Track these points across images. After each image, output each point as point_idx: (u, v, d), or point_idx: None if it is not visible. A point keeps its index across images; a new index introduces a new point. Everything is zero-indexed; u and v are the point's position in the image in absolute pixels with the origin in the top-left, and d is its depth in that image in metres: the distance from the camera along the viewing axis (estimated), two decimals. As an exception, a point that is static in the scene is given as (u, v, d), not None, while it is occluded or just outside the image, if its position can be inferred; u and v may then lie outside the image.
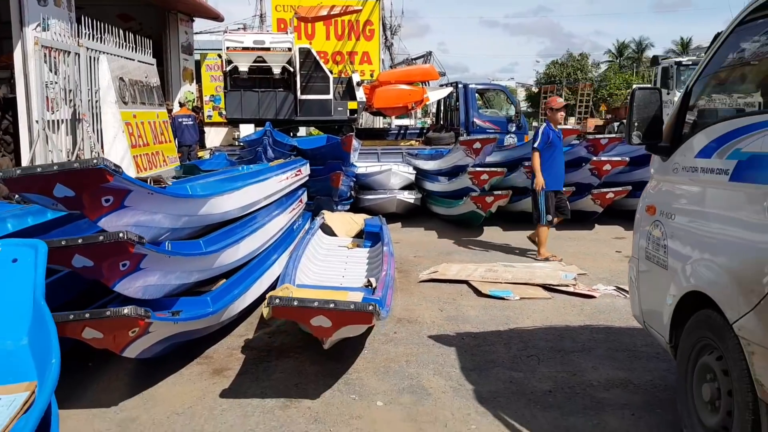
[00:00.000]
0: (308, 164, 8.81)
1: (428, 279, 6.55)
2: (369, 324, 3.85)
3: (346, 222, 8.57)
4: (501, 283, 6.29)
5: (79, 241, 3.19)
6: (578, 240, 8.89)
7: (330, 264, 6.77)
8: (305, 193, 8.74)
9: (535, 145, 7.61)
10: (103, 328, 3.18)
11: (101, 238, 3.18)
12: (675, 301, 3.10)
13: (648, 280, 3.60)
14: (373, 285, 4.93)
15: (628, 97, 4.74)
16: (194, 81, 21.67)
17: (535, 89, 77.15)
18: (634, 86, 3.98)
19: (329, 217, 8.50)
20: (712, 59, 3.23)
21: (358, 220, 8.57)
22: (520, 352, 4.54)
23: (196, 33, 22.63)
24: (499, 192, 8.73)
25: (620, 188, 9.17)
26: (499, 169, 8.92)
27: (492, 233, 9.41)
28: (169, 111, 16.18)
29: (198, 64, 22.90)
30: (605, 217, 9.76)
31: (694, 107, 3.33)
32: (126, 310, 3.11)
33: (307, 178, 8.63)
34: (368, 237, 7.84)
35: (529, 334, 4.94)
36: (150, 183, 4.53)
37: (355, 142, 9.66)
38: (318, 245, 7.47)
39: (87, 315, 3.13)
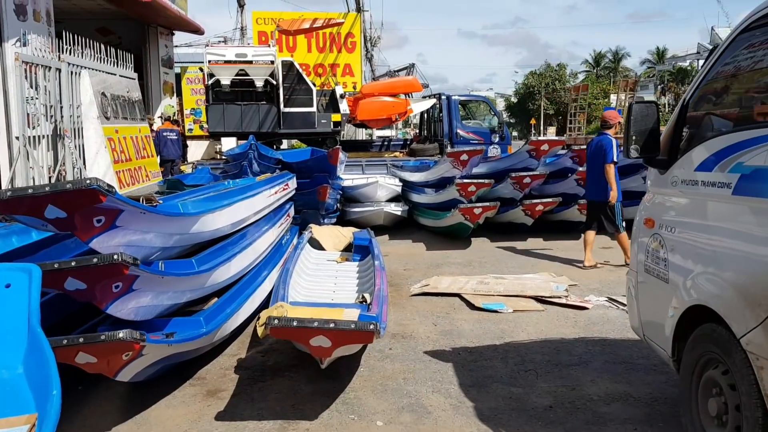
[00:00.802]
0: (294, 178, 8.75)
1: (420, 293, 6.51)
2: (369, 342, 3.80)
3: (334, 235, 8.51)
4: (493, 295, 6.27)
5: (73, 263, 3.10)
6: (566, 250, 8.91)
7: (320, 279, 6.70)
8: (292, 207, 8.68)
9: (615, 158, 7.50)
10: (98, 352, 3.09)
11: (95, 260, 3.10)
12: (677, 315, 3.09)
13: (647, 293, 3.59)
14: (368, 301, 4.87)
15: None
16: (174, 94, 21.52)
17: (514, 99, 78.03)
18: (632, 101, 4.00)
19: (317, 230, 8.44)
20: (710, 71, 3.25)
21: (347, 234, 8.52)
22: (518, 367, 4.50)
23: (176, 46, 22.49)
24: (488, 203, 8.74)
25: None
26: (486, 181, 8.93)
27: (480, 244, 9.41)
28: (150, 125, 16.05)
29: (178, 77, 22.78)
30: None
31: (692, 120, 3.34)
32: (121, 333, 3.02)
33: (294, 192, 8.57)
34: (357, 250, 7.78)
35: (525, 347, 4.91)
36: (142, 201, 4.44)
37: (341, 155, 9.63)
38: (307, 260, 7.40)
39: (81, 339, 3.04)
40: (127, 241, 3.61)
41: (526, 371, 4.42)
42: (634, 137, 3.44)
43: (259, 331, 3.71)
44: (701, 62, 66.41)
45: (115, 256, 3.10)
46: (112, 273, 3.21)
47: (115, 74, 11.23)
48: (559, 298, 6.13)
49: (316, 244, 8.33)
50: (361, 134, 30.33)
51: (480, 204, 8.73)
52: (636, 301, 3.76)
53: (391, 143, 18.11)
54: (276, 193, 6.94)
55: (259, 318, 3.89)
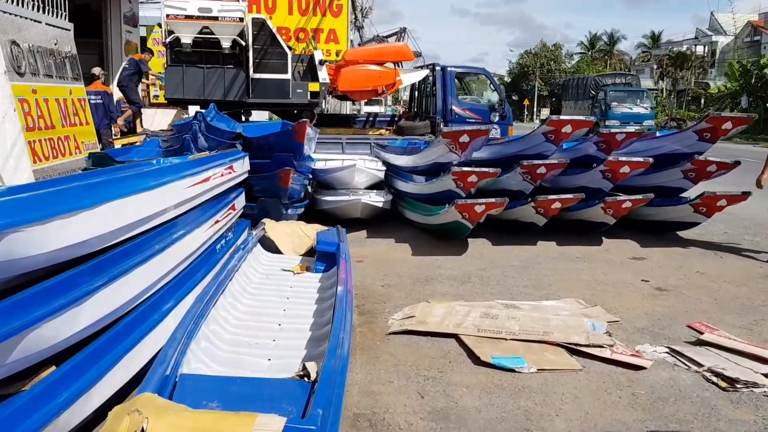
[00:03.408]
0: (246, 158, 6.78)
1: (402, 330, 4.61)
2: None
3: (294, 234, 6.59)
4: (506, 339, 4.39)
5: None
6: (588, 261, 7.05)
7: (263, 303, 4.81)
8: (242, 195, 6.72)
9: None
10: None
11: None
12: None
13: None
14: (311, 377, 2.97)
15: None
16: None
17: (507, 79, 75.87)
18: None
19: (272, 227, 6.51)
20: None
21: (310, 233, 6.60)
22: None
23: (143, 2, 20.24)
24: (492, 200, 6.82)
25: (640, 196, 7.35)
26: (491, 170, 7.01)
27: (480, 248, 7.52)
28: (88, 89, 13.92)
29: (145, 40, 20.58)
30: (613, 228, 7.94)
31: None
32: None
33: (244, 175, 6.61)
34: (321, 258, 5.89)
35: (567, 452, 3.06)
36: None
37: (309, 131, 7.65)
38: (252, 271, 5.50)
39: None
40: None
41: None
42: None
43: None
44: (700, 48, 64.81)
45: None
46: None
47: (40, 21, 9.17)
48: (602, 348, 4.26)
49: (270, 246, 6.44)
50: (347, 108, 28.18)
51: (482, 200, 6.82)
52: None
53: (377, 119, 16.06)
54: (207, 180, 4.98)
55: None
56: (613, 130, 7.58)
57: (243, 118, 13.89)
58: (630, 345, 4.42)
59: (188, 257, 4.34)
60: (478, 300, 5.45)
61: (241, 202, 6.50)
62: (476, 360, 4.07)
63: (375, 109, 34.25)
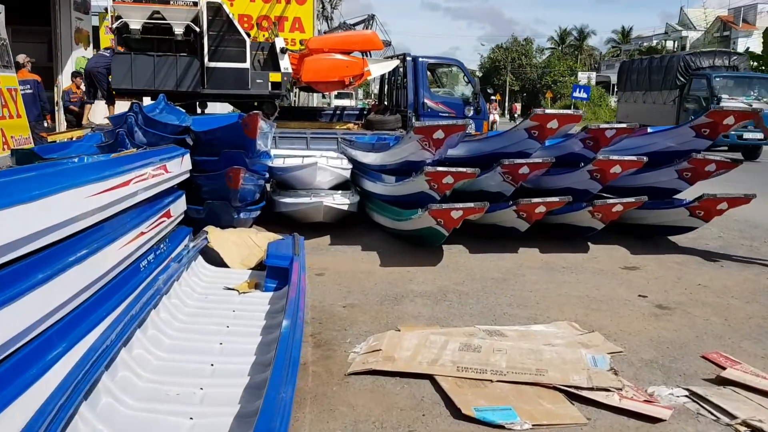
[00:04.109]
0: (187, 156, 5.86)
1: (364, 370, 3.76)
2: None
3: (242, 244, 5.72)
4: (491, 381, 3.57)
5: None
6: (576, 271, 6.30)
7: (196, 336, 3.95)
8: (181, 199, 5.79)
9: None
10: None
11: None
12: None
13: None
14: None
15: None
16: (91, 45, 18.11)
17: (479, 73, 75.36)
18: None
19: (216, 237, 5.62)
20: None
21: (261, 243, 5.73)
22: None
23: (94, -13, 18.98)
24: (470, 205, 6.00)
25: (632, 199, 6.62)
26: (469, 170, 6.20)
27: (456, 257, 6.71)
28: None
29: (97, 29, 19.36)
30: (599, 231, 7.20)
31: None
32: None
33: (183, 176, 5.68)
34: (272, 274, 5.03)
35: None
36: None
37: (263, 124, 6.75)
38: (187, 291, 4.62)
39: None
40: None
41: None
42: None
43: None
44: (669, 43, 65.17)
45: None
46: None
47: (-40, 1, 8.12)
48: (608, 392, 3.47)
49: (215, 258, 5.57)
50: (316, 101, 27.21)
51: (460, 205, 6.00)
52: None
53: (345, 112, 15.16)
54: (128, 183, 4.07)
55: None
56: (602, 126, 6.82)
57: (199, 111, 12.91)
58: (640, 386, 3.64)
59: (93, 283, 3.42)
60: (456, 324, 4.64)
61: (179, 207, 5.58)
62: (456, 412, 3.24)
63: (345, 102, 33.17)
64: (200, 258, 5.45)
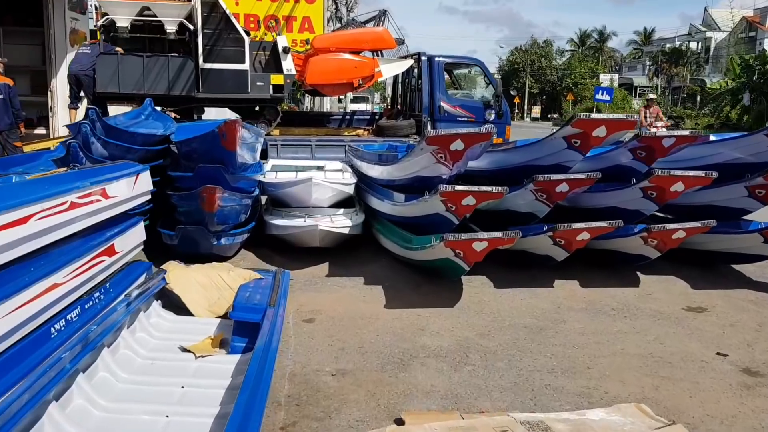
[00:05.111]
0: (145, 174, 4.70)
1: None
2: None
3: (210, 285, 4.56)
4: None
5: None
6: (630, 315, 5.06)
7: (123, 429, 2.79)
8: (135, 229, 4.63)
9: None
10: None
11: None
12: None
13: None
14: None
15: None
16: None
17: (497, 76, 73.89)
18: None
19: (177, 277, 4.47)
20: None
21: (234, 282, 4.56)
22: None
23: (92, -14, 18.01)
24: (498, 234, 4.78)
25: (697, 223, 5.36)
26: (495, 189, 4.98)
27: (478, 292, 5.50)
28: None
29: (96, 31, 18.41)
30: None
31: None
32: None
33: (135, 200, 4.53)
34: (241, 330, 3.88)
35: None
36: None
37: (244, 133, 5.59)
38: (126, 357, 3.49)
39: None
40: None
41: None
42: None
43: None
44: (693, 44, 63.31)
45: None
46: None
47: None
48: None
49: (176, 303, 4.43)
50: (327, 105, 26.05)
51: (484, 235, 4.80)
52: None
53: (355, 117, 13.98)
54: (26, 220, 2.92)
55: None
56: (659, 134, 5.57)
57: (196, 117, 11.81)
58: None
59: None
60: (482, 403, 3.44)
61: (131, 239, 4.42)
62: None
63: (361, 107, 31.88)
64: (156, 304, 4.30)
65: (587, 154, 5.52)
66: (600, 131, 5.14)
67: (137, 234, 4.62)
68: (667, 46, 64.09)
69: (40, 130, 14.43)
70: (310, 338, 4.36)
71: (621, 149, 5.92)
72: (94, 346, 3.29)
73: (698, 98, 47.36)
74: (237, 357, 3.71)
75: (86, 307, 3.60)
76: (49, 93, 15.21)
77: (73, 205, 3.42)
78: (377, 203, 6.72)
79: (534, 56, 70.07)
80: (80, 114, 11.63)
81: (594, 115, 5.14)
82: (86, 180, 3.64)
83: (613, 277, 5.97)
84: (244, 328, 3.83)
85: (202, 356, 3.70)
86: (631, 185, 5.64)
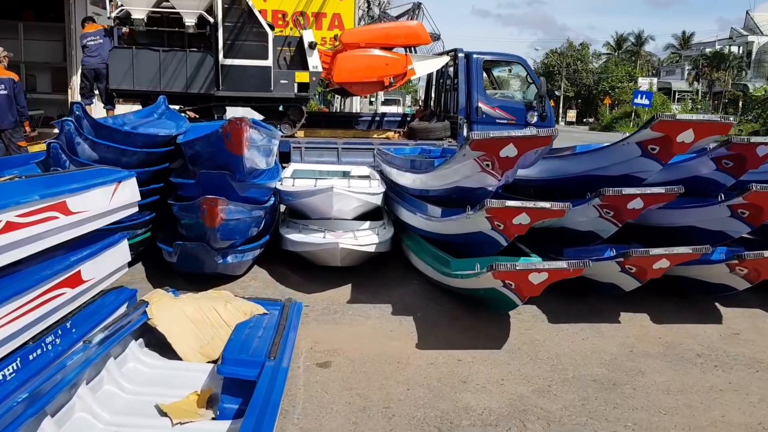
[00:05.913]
0: (127, 182, 3.87)
1: None
2: None
3: (202, 321, 3.70)
4: None
5: None
6: (721, 365, 4.07)
7: None
8: (116, 248, 3.81)
9: None
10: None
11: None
12: None
13: None
14: None
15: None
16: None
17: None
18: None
19: (162, 310, 3.63)
20: None
21: (231, 318, 3.70)
22: None
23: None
24: (563, 265, 3.84)
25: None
26: (555, 206, 4.03)
27: (530, 328, 4.56)
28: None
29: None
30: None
31: None
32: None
33: (113, 215, 3.70)
34: (231, 389, 3.02)
35: None
36: None
37: (253, 134, 4.71)
38: (84, 420, 2.63)
39: None
40: None
41: None
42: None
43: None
44: (735, 48, 61.14)
45: None
46: None
47: None
48: None
49: (163, 339, 3.59)
50: (357, 106, 25.17)
51: (545, 265, 3.86)
52: None
53: (385, 119, 13.09)
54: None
55: None
56: (754, 140, 4.55)
57: (216, 117, 11.05)
58: None
59: None
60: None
61: (104, 265, 3.59)
62: None
63: (392, 109, 30.86)
64: (134, 345, 3.47)
65: (667, 164, 4.54)
66: (686, 136, 4.16)
67: (117, 255, 3.80)
68: (707, 50, 62.02)
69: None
70: (324, 391, 3.48)
71: (702, 158, 4.92)
72: (36, 411, 2.47)
73: (740, 103, 45.55)
74: (226, 425, 2.86)
75: (30, 358, 2.78)
76: (69, 90, 14.72)
77: (11, 226, 2.59)
78: (408, 216, 5.81)
79: (570, 59, 68.45)
80: (117, 110, 10.86)
81: (680, 116, 4.16)
82: (33, 193, 2.81)
83: (688, 309, 5.00)
84: (235, 386, 2.97)
85: (181, 423, 2.85)
86: (717, 202, 4.64)
